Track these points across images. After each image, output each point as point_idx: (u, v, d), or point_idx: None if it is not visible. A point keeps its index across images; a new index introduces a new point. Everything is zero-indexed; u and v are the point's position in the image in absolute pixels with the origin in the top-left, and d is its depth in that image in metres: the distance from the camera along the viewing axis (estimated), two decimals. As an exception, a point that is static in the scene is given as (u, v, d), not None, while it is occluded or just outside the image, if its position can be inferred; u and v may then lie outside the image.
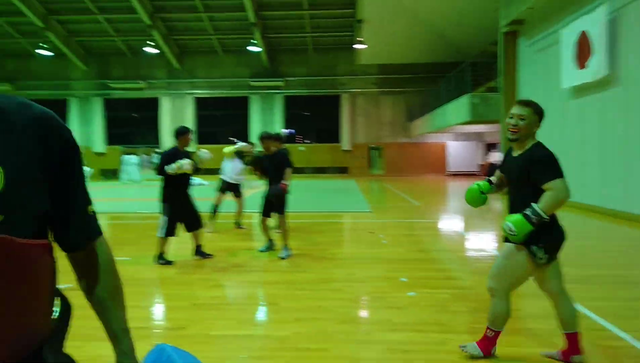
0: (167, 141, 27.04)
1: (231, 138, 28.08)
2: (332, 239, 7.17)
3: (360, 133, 27.55)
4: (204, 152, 5.97)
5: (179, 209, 5.50)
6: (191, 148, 6.12)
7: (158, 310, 4.10)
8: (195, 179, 19.39)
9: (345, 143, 27.34)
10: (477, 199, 3.00)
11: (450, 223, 9.17)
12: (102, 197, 14.54)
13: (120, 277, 1.11)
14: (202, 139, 26.80)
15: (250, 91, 27.05)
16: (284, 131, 27.56)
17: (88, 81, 27.30)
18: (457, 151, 26.95)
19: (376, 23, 19.69)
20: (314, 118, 28.51)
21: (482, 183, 3.00)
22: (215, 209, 7.86)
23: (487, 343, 2.80)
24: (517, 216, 2.55)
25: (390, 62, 26.09)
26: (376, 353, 2.99)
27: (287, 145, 7.54)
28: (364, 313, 3.90)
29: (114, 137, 27.96)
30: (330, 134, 27.92)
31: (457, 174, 26.47)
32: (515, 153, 2.73)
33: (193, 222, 5.63)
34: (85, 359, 3.05)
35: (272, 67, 26.89)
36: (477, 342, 2.85)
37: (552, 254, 2.61)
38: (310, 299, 4.12)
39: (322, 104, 27.78)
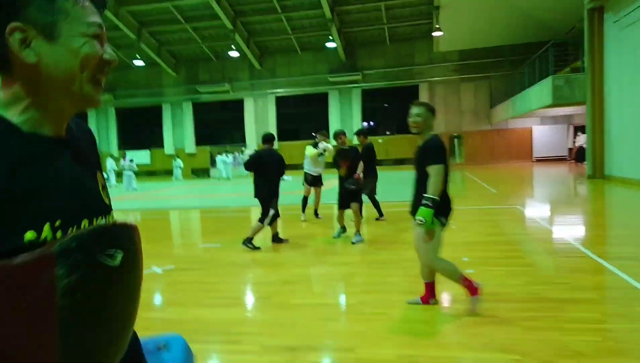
0: (252, 139, 28.68)
1: (313, 133, 29.04)
2: (403, 226, 7.53)
3: (440, 122, 27.11)
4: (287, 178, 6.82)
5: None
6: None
7: (248, 285, 4.81)
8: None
9: (424, 133, 27.04)
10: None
11: (522, 208, 9.07)
12: (196, 194, 16.04)
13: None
14: (284, 137, 28.05)
15: (328, 87, 27.77)
16: (364, 124, 27.99)
17: (178, 87, 29.70)
18: (544, 135, 25.59)
19: (454, 8, 19.35)
20: (393, 110, 28.57)
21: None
22: (305, 201, 8.50)
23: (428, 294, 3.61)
24: (420, 209, 3.21)
25: (471, 47, 25.40)
26: (428, 316, 3.41)
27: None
28: (421, 285, 4.28)
29: (202, 138, 30.15)
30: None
31: (544, 160, 25.17)
32: (419, 143, 3.48)
33: (276, 214, 6.36)
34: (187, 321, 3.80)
35: (350, 61, 27.37)
36: (421, 298, 3.63)
37: (447, 219, 3.40)
38: (379, 276, 4.61)
39: (401, 95, 27.74)
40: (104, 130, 30.68)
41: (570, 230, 6.70)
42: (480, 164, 25.69)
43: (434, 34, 21.95)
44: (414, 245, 3.57)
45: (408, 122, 3.47)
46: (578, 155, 21.54)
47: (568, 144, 25.15)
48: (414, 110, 3.42)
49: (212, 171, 23.95)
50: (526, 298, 3.69)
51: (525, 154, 26.02)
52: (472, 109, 26.80)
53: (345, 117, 27.89)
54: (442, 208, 3.33)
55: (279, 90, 28.48)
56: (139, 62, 27.65)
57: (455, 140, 27.57)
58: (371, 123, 28.67)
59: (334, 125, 26.92)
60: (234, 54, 26.37)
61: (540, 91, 15.58)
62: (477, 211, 8.81)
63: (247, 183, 14.43)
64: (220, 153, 24.91)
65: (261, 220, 6.16)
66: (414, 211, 3.39)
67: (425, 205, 3.20)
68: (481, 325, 3.25)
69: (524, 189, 13.19)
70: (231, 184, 20.41)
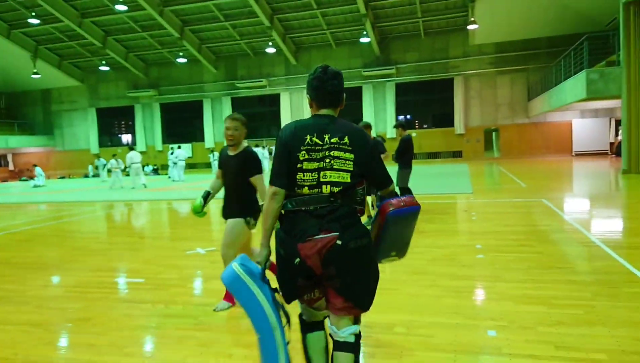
0: (287, 132, 29.35)
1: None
2: (427, 217, 7.95)
3: (475, 116, 27.01)
4: None
5: None
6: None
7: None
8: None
9: (459, 126, 27.02)
10: (199, 214, 3.99)
11: (547, 202, 9.27)
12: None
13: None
14: (318, 130, 28.59)
15: (362, 81, 28.10)
16: (400, 118, 28.18)
17: (218, 83, 30.77)
18: (584, 129, 25.00)
19: (490, 0, 19.27)
20: (427, 103, 28.60)
21: (197, 202, 3.90)
22: None
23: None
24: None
25: (507, 40, 25.11)
26: (433, 292, 3.91)
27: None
28: (433, 267, 4.75)
29: (241, 131, 31.08)
30: (444, 119, 27.82)
31: (584, 154, 24.64)
32: (232, 153, 3.71)
33: None
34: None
35: (384, 55, 27.59)
36: (223, 299, 3.84)
37: (256, 220, 3.68)
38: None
39: (435, 88, 27.76)
40: (149, 125, 32.20)
41: (589, 222, 6.94)
42: (516, 158, 25.43)
43: (470, 27, 21.89)
44: (223, 241, 3.76)
45: (224, 135, 3.71)
46: (619, 149, 21.04)
47: (609, 138, 24.51)
48: (231, 123, 3.65)
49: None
50: (524, 279, 4.12)
51: (564, 148, 25.53)
52: (509, 102, 26.49)
53: (379, 111, 28.17)
54: (256, 210, 3.68)
55: (314, 85, 28.95)
56: (181, 60, 28.86)
57: (493, 133, 27.35)
58: (407, 117, 28.80)
59: (367, 119, 27.23)
60: (270, 50, 27.11)
61: (575, 85, 15.44)
62: (501, 203, 9.10)
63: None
64: (257, 146, 25.83)
65: None
66: (226, 215, 3.79)
67: (245, 219, 3.73)
68: (477, 299, 3.72)
69: (554, 183, 13.23)
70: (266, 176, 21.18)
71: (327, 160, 2.03)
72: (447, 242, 5.78)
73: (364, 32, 25.26)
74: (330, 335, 2.17)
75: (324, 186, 2.01)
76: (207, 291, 4.45)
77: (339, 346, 2.09)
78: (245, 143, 3.79)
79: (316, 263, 2.00)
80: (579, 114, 24.85)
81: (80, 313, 3.90)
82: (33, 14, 24.53)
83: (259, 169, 3.65)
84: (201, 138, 31.31)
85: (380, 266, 2.25)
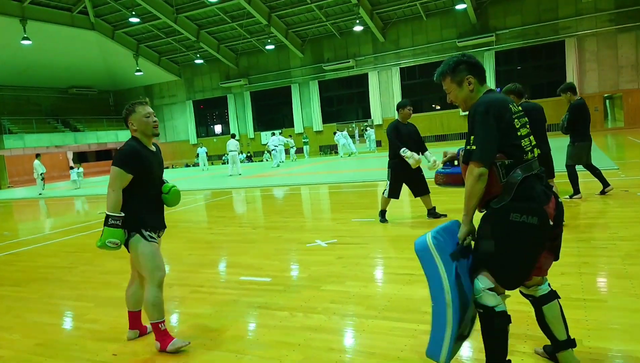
0: (377, 114, 28.42)
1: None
2: (596, 203, 6.71)
3: (591, 82, 23.90)
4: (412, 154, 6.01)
5: (401, 176, 6.09)
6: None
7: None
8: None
9: (571, 94, 24.07)
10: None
11: None
12: (327, 170, 16.32)
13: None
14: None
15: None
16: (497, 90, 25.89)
17: (305, 67, 30.44)
18: None
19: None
20: (533, 72, 25.90)
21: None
22: None
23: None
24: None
25: (630, -10, 21.79)
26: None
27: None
28: (634, 269, 3.69)
29: (327, 115, 30.65)
30: (554, 88, 24.99)
31: None
32: (151, 148, 3.08)
33: (418, 189, 6.19)
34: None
35: (481, 22, 25.35)
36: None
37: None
38: (570, 255, 4.06)
39: (541, 54, 25.00)
40: (242, 114, 32.92)
41: None
42: (644, 126, 22.16)
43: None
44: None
45: (152, 124, 3.09)
46: None
47: None
48: (152, 110, 3.20)
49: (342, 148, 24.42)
50: None
51: None
52: (633, 63, 23.06)
53: (478, 84, 26.03)
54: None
55: (402, 61, 27.63)
56: (269, 47, 28.91)
57: (607, 101, 24.06)
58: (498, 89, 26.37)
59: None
60: (357, 28, 26.12)
61: None
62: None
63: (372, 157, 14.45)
64: (339, 130, 25.33)
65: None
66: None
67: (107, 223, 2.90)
68: None
69: None
70: (355, 160, 20.50)
71: (527, 126, 2.21)
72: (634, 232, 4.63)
73: (459, -1, 23.29)
74: (529, 296, 2.28)
75: (536, 149, 2.20)
76: (344, 295, 3.81)
77: (546, 298, 2.24)
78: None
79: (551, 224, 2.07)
80: None
81: (213, 321, 3.45)
82: (133, 13, 25.83)
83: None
84: (291, 124, 31.35)
85: None
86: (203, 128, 35.48)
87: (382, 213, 6.36)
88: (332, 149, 29.11)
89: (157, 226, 3.06)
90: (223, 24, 28.07)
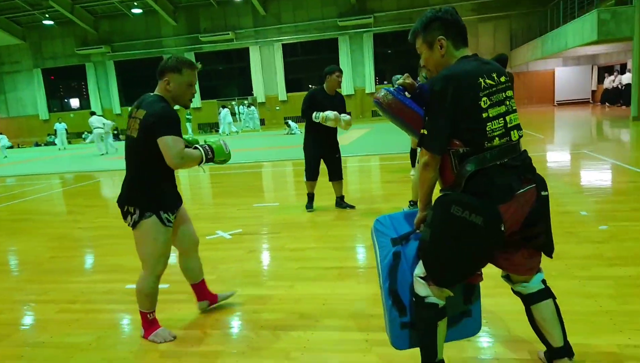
0: (259, 90, 27.47)
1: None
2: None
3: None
4: (344, 116, 5.21)
5: (313, 154, 5.30)
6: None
7: (321, 251, 4.12)
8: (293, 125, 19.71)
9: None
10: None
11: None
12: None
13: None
14: (291, 87, 26.85)
15: (338, 32, 26.22)
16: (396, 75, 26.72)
17: (179, 37, 28.03)
18: (567, 77, 24.46)
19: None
20: (407, 55, 27.19)
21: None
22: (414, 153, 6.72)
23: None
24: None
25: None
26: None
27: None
28: None
29: (207, 90, 28.75)
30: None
31: (566, 103, 24.22)
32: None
33: (330, 171, 5.40)
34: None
35: (360, 3, 25.72)
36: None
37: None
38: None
39: (414, 38, 26.30)
40: (104, 86, 29.23)
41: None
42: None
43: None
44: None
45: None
46: (607, 96, 20.73)
47: (592, 86, 24.12)
48: None
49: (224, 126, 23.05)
50: None
51: (546, 98, 25.01)
52: (491, 52, 25.44)
53: (357, 64, 26.56)
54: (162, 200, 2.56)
55: (284, 37, 26.97)
56: (136, 10, 25.92)
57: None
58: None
59: (345, 72, 25.63)
60: (237, -2, 24.70)
61: (582, 27, 14.44)
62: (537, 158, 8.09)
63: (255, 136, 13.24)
64: (224, 107, 23.92)
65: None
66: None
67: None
68: None
69: (578, 133, 12.44)
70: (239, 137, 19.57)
71: (507, 102, 1.81)
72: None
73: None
74: (517, 293, 2.01)
75: (514, 132, 1.81)
76: (268, 300, 3.11)
77: (535, 297, 1.96)
78: None
79: (517, 224, 1.80)
80: (561, 62, 24.24)
81: (95, 355, 2.50)
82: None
83: None
84: (164, 99, 28.77)
85: None
86: (56, 102, 30.87)
87: (310, 197, 5.47)
88: (212, 127, 27.49)
89: (175, 204, 2.64)
90: (78, -20, 24.39)
